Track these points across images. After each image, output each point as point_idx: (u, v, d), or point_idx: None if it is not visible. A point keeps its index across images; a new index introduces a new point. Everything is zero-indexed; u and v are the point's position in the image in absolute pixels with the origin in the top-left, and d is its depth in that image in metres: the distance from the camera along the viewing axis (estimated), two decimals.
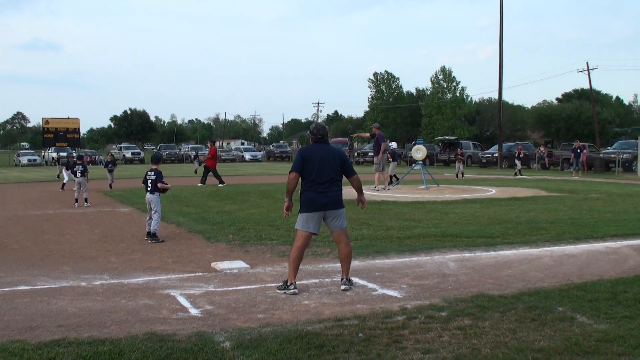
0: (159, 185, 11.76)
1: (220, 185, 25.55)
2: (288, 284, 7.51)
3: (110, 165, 26.26)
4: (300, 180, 7.71)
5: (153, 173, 11.82)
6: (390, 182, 23.95)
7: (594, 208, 16.58)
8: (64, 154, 44.94)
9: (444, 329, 5.92)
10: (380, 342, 5.55)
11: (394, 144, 28.28)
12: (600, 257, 9.63)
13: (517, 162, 36.37)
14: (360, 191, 8.04)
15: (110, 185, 25.38)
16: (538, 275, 8.40)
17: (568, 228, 12.43)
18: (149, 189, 11.81)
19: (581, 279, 8.13)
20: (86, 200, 18.41)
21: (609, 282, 7.83)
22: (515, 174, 35.13)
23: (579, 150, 37.09)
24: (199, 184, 25.98)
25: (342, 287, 7.62)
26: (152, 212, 11.66)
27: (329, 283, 7.97)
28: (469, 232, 11.76)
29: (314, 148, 7.79)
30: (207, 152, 28.56)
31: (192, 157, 51.80)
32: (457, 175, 33.50)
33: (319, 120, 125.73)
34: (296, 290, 7.43)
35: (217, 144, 27.83)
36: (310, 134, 7.98)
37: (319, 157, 7.66)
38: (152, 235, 11.51)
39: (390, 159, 25.91)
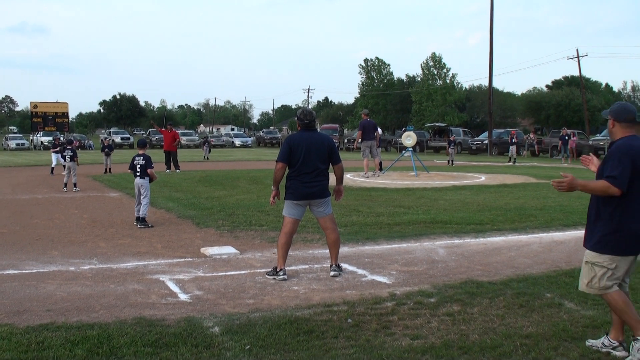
0: (148, 171, 11.73)
1: (168, 171, 25.31)
2: (277, 269, 7.51)
3: (107, 149, 25.97)
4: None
5: (142, 158, 11.77)
6: (380, 170, 23.97)
7: (582, 195, 16.59)
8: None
9: (433, 315, 5.95)
10: (369, 327, 5.57)
11: (379, 131, 28.26)
12: None
13: (511, 148, 35.67)
14: (340, 181, 7.99)
15: (107, 169, 25.15)
16: (527, 261, 8.45)
17: (557, 215, 12.49)
18: (138, 174, 11.74)
19: (569, 265, 8.18)
20: (75, 185, 18.31)
21: None
22: (509, 160, 34.88)
23: (566, 137, 37.22)
24: (167, 171, 25.56)
25: (332, 273, 7.66)
26: (142, 196, 11.62)
27: (319, 269, 7.99)
28: (458, 219, 11.79)
29: (301, 136, 7.68)
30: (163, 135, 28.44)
31: (201, 143, 51.08)
32: (449, 161, 33.40)
33: (309, 107, 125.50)
34: (285, 277, 7.44)
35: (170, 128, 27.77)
36: (297, 120, 7.88)
37: (306, 146, 7.57)
38: (141, 220, 11.48)
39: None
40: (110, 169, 25.26)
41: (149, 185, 11.83)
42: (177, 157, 26.61)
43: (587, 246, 5.11)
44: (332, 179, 7.85)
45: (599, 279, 4.91)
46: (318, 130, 7.79)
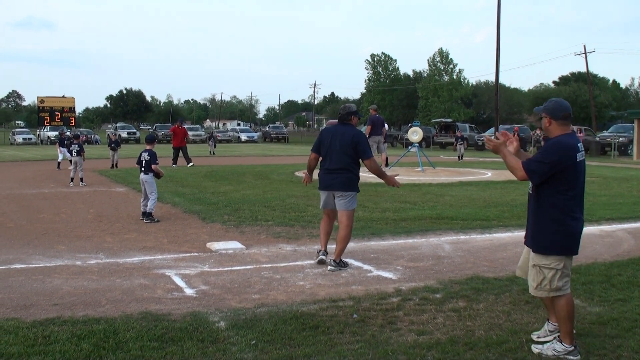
0: (152, 167, 11.70)
1: (174, 166, 25.29)
2: (317, 250, 7.99)
3: (113, 144, 25.93)
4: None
5: (147, 154, 11.77)
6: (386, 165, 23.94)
7: (589, 191, 16.56)
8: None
9: (439, 311, 5.94)
10: (374, 323, 5.57)
11: (385, 126, 28.16)
12: (595, 240, 9.66)
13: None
14: (378, 175, 8.06)
15: (114, 164, 25.08)
16: None
17: None
18: (142, 169, 11.75)
19: (575, 261, 8.08)
20: (82, 179, 18.35)
21: (603, 265, 7.86)
22: None
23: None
24: (173, 165, 25.50)
25: (328, 268, 7.68)
26: (148, 192, 11.63)
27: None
28: (464, 215, 11.78)
29: (331, 130, 7.98)
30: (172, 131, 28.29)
31: (207, 137, 50.75)
32: (459, 157, 33.23)
33: (315, 102, 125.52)
34: (323, 257, 7.86)
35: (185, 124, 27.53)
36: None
37: (331, 139, 7.84)
38: (147, 215, 11.49)
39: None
40: (116, 164, 25.23)
41: (153, 181, 11.80)
42: (187, 151, 26.57)
43: (529, 246, 5.07)
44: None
45: (549, 281, 4.85)
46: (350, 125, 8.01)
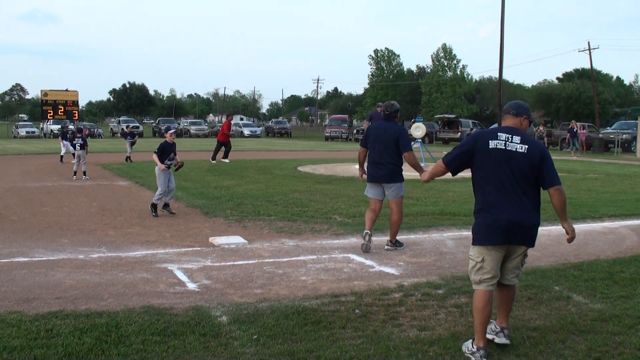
0: (153, 157, 11.64)
1: (225, 161, 24.85)
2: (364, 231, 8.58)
3: (129, 137, 25.65)
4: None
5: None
6: None
7: (592, 188, 16.59)
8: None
9: (441, 307, 5.94)
10: (376, 318, 5.57)
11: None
12: (598, 237, 9.65)
13: None
14: (414, 167, 8.38)
15: (127, 157, 24.78)
16: (535, 254, 8.40)
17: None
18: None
19: (578, 258, 8.16)
20: (85, 173, 18.38)
21: (605, 262, 7.85)
22: None
23: (574, 130, 37.05)
24: (214, 162, 24.88)
25: (385, 247, 8.59)
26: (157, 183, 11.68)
27: (327, 259, 7.99)
28: (467, 211, 11.74)
29: (376, 126, 8.85)
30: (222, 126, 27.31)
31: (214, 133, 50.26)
32: None
33: (318, 97, 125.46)
34: (368, 231, 8.45)
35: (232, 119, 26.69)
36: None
37: (376, 134, 8.63)
38: (151, 205, 11.58)
39: None
40: (129, 157, 24.87)
41: (159, 174, 11.62)
42: (223, 147, 25.63)
43: None
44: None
45: (469, 272, 4.94)
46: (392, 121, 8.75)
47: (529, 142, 4.80)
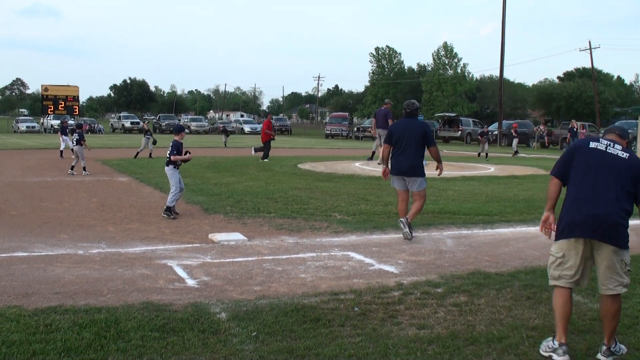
0: (172, 158, 11.05)
1: (265, 160, 24.23)
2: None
3: (147, 134, 25.32)
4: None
5: (171, 144, 11.21)
6: (371, 158, 23.95)
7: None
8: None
9: (440, 305, 5.94)
10: (375, 316, 5.57)
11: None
12: None
13: (513, 141, 34.56)
14: (437, 160, 9.62)
15: (149, 154, 24.34)
16: (535, 253, 8.42)
17: None
18: (167, 160, 11.26)
19: None
20: (84, 168, 18.27)
21: None
22: (514, 154, 33.88)
23: (574, 130, 37.02)
24: (265, 160, 24.26)
25: (405, 229, 9.07)
26: (170, 185, 11.13)
27: (326, 257, 7.99)
28: (466, 210, 11.77)
29: (400, 123, 9.61)
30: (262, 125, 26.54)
31: (220, 130, 49.53)
32: (481, 154, 30.22)
33: (319, 94, 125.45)
34: (403, 220, 9.11)
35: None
36: (403, 109, 9.71)
37: (400, 131, 9.31)
38: (165, 209, 10.90)
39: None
40: (150, 153, 24.46)
41: (174, 173, 11.12)
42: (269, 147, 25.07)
43: None
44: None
45: (548, 267, 5.01)
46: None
47: (630, 152, 4.91)
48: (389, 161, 9.53)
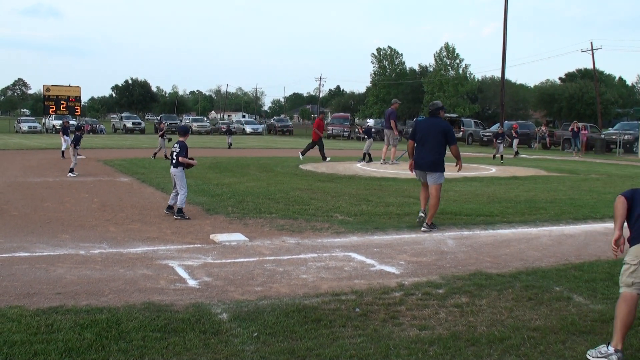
0: (180, 159, 11.02)
1: (327, 159, 24.33)
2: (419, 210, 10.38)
3: (164, 135, 25.07)
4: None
5: (178, 146, 11.14)
6: (363, 159, 23.96)
7: (593, 189, 16.58)
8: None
9: (441, 306, 5.94)
10: (377, 317, 5.57)
11: (371, 121, 28.01)
12: (599, 238, 9.64)
13: (514, 141, 34.23)
14: (457, 157, 10.51)
15: (165, 155, 23.94)
16: (536, 254, 8.42)
17: (567, 208, 12.43)
18: (173, 161, 11.19)
19: (579, 259, 8.15)
20: (72, 170, 17.91)
21: (606, 262, 7.83)
22: (514, 155, 33.66)
23: (576, 131, 37.00)
24: (328, 159, 24.47)
25: (422, 229, 9.81)
26: (178, 187, 11.05)
27: (327, 258, 7.99)
28: (468, 210, 11.76)
29: (422, 121, 10.46)
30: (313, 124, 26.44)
31: (224, 130, 48.99)
32: (495, 156, 29.13)
33: (320, 95, 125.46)
34: (422, 215, 10.14)
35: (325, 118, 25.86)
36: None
37: (423, 129, 10.16)
38: (178, 211, 10.86)
39: (366, 136, 25.81)
40: (166, 154, 23.98)
41: (183, 175, 11.14)
42: (312, 146, 25.21)
43: None
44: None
45: (621, 275, 4.99)
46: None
47: None
48: (414, 156, 10.31)
